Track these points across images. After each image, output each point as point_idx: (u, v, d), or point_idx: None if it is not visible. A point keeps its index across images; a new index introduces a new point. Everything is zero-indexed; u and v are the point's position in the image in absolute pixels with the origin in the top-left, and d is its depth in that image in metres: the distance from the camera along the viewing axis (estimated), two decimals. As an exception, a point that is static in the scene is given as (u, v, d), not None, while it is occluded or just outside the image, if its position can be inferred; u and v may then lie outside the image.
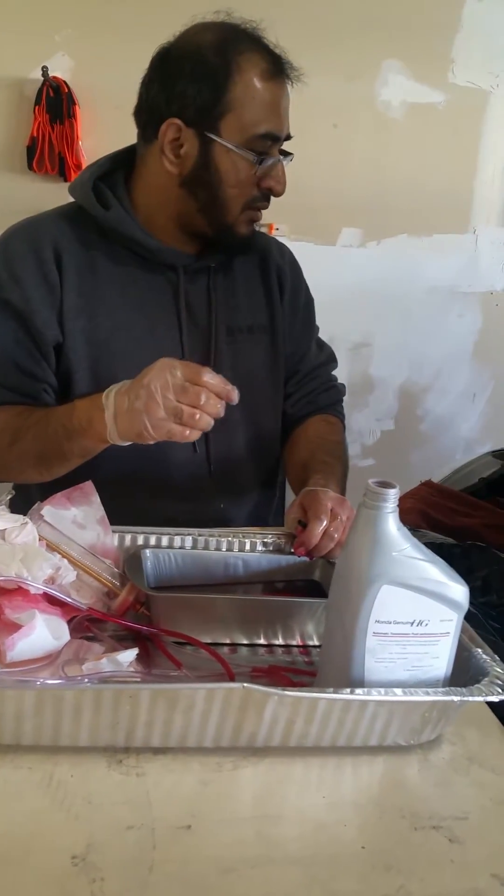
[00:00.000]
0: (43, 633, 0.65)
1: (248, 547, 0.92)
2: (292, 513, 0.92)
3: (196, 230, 1.04)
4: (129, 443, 0.84)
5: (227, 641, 0.81)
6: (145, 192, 1.03)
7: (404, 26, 2.28)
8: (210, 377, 0.79)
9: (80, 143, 2.14)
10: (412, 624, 0.65)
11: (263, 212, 1.04)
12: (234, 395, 0.80)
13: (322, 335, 2.56)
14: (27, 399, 1.00)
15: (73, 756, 0.62)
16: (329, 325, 2.54)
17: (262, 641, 0.82)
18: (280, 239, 2.39)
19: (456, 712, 0.68)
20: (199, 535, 0.91)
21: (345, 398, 2.63)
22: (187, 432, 0.79)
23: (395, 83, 2.33)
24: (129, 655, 0.66)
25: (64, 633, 0.69)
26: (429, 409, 2.73)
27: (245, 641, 0.82)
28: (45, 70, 2.10)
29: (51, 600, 0.72)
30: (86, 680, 0.59)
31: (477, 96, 2.36)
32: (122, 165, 1.05)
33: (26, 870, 0.52)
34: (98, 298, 1.01)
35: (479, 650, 0.71)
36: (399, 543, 0.64)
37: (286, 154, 1.02)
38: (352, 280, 2.53)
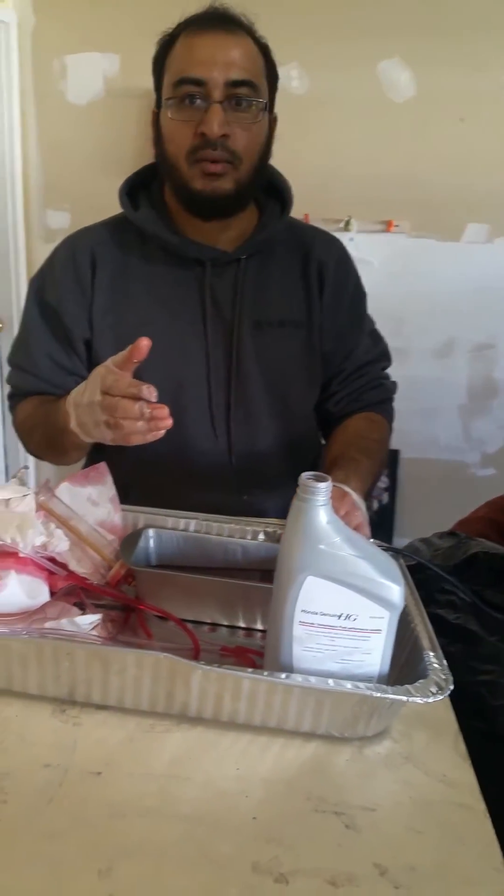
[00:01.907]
0: (15, 590, 0.74)
1: (249, 535, 0.96)
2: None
3: (184, 206, 1.08)
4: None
5: (209, 621, 0.86)
6: (168, 191, 1.11)
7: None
8: (119, 385, 0.81)
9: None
10: (339, 617, 0.67)
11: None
12: (146, 392, 0.79)
13: (442, 335, 2.54)
14: (58, 389, 1.11)
15: (26, 701, 0.70)
16: (450, 325, 2.52)
17: (241, 624, 0.86)
18: (399, 236, 2.41)
19: (390, 710, 0.69)
20: (204, 520, 0.97)
21: (464, 402, 2.58)
22: (126, 438, 0.82)
23: (527, 72, 2.24)
24: (89, 619, 0.73)
25: (42, 593, 0.78)
26: None
27: (225, 622, 0.86)
28: (175, 80, 2.24)
29: (40, 566, 0.81)
30: (24, 632, 0.67)
31: None
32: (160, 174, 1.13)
33: None
34: (127, 297, 1.11)
35: (431, 653, 0.71)
36: (328, 536, 0.66)
37: (240, 103, 1.00)
38: (476, 277, 2.46)
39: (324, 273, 1.18)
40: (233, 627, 0.87)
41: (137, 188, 1.15)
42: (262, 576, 0.93)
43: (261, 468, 1.17)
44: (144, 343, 0.80)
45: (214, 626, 0.87)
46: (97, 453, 1.14)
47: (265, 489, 1.18)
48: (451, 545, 1.33)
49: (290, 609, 0.67)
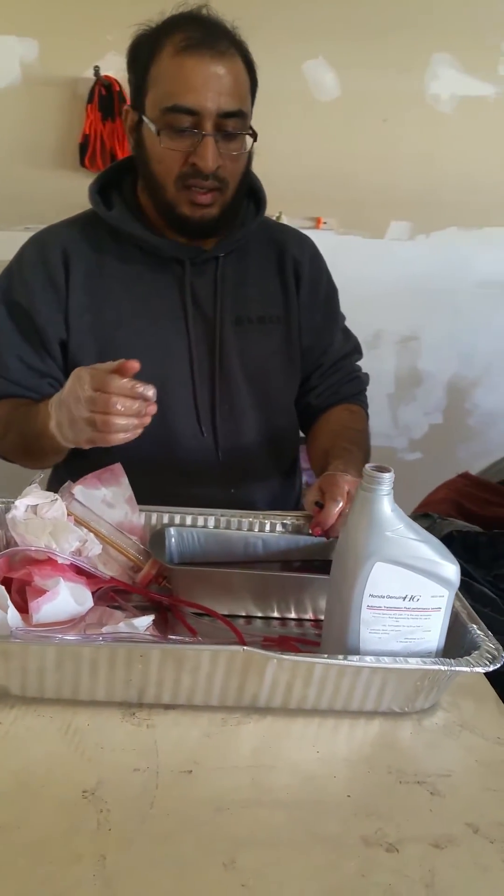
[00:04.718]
0: (66, 598, 0.73)
1: (267, 528, 0.97)
2: (311, 495, 0.96)
3: (168, 223, 1.08)
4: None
5: (243, 614, 0.87)
6: (142, 189, 1.11)
7: (454, 19, 2.28)
8: (117, 383, 0.79)
9: (130, 140, 2.25)
10: (404, 599, 0.70)
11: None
12: (150, 393, 0.80)
13: (369, 328, 2.61)
14: (30, 392, 1.09)
15: (90, 708, 0.69)
16: (377, 319, 2.60)
17: (275, 615, 0.88)
18: (327, 233, 2.47)
19: (447, 682, 0.73)
20: (222, 516, 0.97)
21: (392, 391, 2.68)
22: (109, 436, 0.81)
23: (445, 76, 2.34)
24: (145, 621, 0.73)
25: (87, 599, 0.76)
26: (477, 404, 2.72)
27: (259, 614, 0.88)
28: (97, 69, 2.19)
29: (77, 570, 0.80)
30: (100, 638, 0.66)
31: (528, 89, 2.35)
32: (133, 170, 1.12)
33: (42, 799, 0.59)
34: (104, 296, 1.09)
35: (475, 626, 0.75)
36: (392, 523, 0.69)
37: (231, 134, 1.00)
38: (400, 273, 2.55)
39: (299, 271, 1.20)
40: (267, 618, 0.88)
41: (108, 186, 1.14)
42: (282, 566, 0.96)
43: (246, 461, 1.18)
44: (135, 365, 0.80)
45: (249, 618, 0.88)
46: (80, 456, 1.12)
47: (251, 481, 1.19)
48: (427, 526, 1.40)
49: (358, 594, 0.69)
